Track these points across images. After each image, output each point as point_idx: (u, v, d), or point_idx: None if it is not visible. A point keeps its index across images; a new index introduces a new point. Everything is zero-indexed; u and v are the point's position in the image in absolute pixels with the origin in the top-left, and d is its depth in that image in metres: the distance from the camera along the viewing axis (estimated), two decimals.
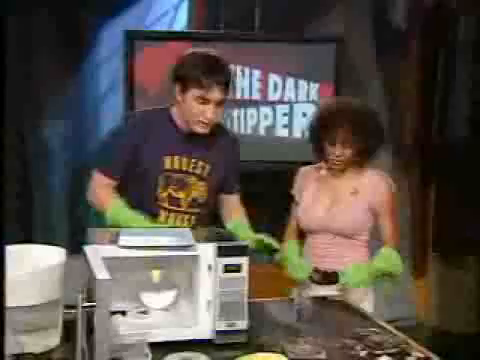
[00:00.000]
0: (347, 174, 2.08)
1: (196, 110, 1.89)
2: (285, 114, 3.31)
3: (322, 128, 2.03)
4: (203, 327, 1.55)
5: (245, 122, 3.33)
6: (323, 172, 2.13)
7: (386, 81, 3.64)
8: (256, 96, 3.31)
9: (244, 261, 1.54)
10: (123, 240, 1.53)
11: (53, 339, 1.50)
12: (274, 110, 3.30)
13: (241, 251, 1.54)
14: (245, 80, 3.31)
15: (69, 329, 1.51)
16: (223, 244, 1.54)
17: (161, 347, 1.46)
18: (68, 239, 3.60)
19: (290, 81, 3.28)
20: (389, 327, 1.72)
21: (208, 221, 2.07)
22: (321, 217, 2.07)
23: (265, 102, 3.31)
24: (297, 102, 3.31)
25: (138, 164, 1.96)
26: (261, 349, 1.50)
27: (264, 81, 3.30)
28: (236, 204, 2.13)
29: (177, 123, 1.98)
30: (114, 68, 3.60)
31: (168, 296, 1.67)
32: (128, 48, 3.25)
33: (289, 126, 3.32)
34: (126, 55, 3.27)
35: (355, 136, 1.98)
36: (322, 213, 2.07)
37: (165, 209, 1.99)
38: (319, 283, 2.02)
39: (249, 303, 1.57)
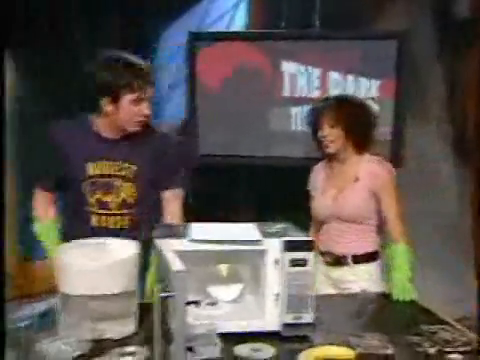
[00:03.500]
0: (349, 163, 2.23)
1: (133, 112, 1.94)
2: None
3: (314, 117, 2.27)
4: (270, 319, 1.59)
5: (303, 120, 3.34)
6: (328, 164, 2.30)
7: (449, 76, 3.56)
8: (315, 94, 3.31)
9: (310, 256, 1.57)
10: (193, 234, 1.60)
11: (129, 327, 1.57)
12: None
13: (307, 246, 1.57)
14: (304, 78, 3.32)
15: (143, 318, 1.60)
16: (290, 239, 1.58)
17: (229, 338, 1.51)
18: None
19: (350, 78, 3.26)
20: (457, 325, 1.70)
21: (150, 218, 2.02)
22: (329, 206, 2.23)
23: None
24: None
25: (65, 173, 2.02)
26: (327, 342, 1.52)
27: (323, 79, 3.30)
28: (169, 200, 2.11)
29: (99, 131, 2.01)
30: (176, 68, 3.70)
31: (235, 289, 1.72)
32: (190, 49, 3.32)
33: None
34: (188, 55, 3.35)
35: (339, 116, 2.17)
36: (330, 202, 2.23)
37: (96, 213, 2.05)
38: (331, 265, 2.24)
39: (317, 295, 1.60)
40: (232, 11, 3.78)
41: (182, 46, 3.45)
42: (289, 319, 1.58)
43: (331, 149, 2.21)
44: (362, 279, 2.19)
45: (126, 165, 2.02)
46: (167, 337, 1.34)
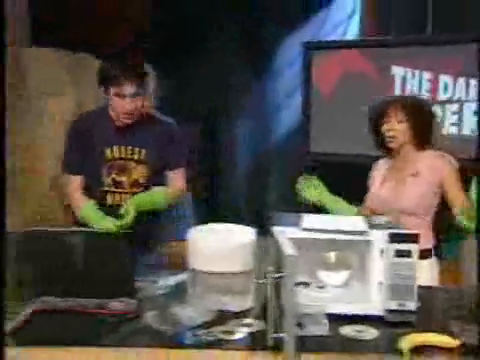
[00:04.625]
0: (411, 158, 2.12)
1: (116, 104, 2.00)
2: (454, 113, 3.13)
3: (379, 113, 2.15)
4: (374, 305, 1.57)
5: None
6: (389, 161, 2.22)
7: None
8: (425, 96, 3.16)
9: (414, 248, 1.52)
10: (305, 223, 1.61)
11: (247, 302, 1.63)
12: (444, 109, 3.13)
13: (412, 238, 1.52)
14: (414, 82, 3.19)
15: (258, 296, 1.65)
16: (395, 231, 1.54)
17: (336, 319, 1.52)
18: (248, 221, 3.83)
19: (461, 81, 3.08)
20: None
21: None
22: (384, 198, 2.14)
23: (434, 101, 3.16)
24: (467, 101, 3.09)
25: (86, 158, 2.07)
26: (429, 330, 1.46)
27: (434, 82, 3.14)
28: (173, 179, 2.18)
29: (113, 118, 2.07)
30: (292, 75, 3.73)
31: (342, 275, 1.71)
32: (305, 57, 3.34)
33: (458, 124, 3.12)
34: (303, 63, 3.36)
35: (408, 111, 2.08)
36: (386, 194, 2.14)
37: (111, 192, 2.09)
38: None
39: (419, 286, 1.54)
40: (347, 21, 3.72)
41: (299, 55, 3.47)
42: (393, 305, 1.54)
43: (394, 144, 2.13)
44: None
45: (137, 149, 2.09)
46: (280, 314, 1.38)
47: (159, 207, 2.12)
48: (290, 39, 3.74)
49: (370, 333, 1.48)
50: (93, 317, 1.54)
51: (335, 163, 3.33)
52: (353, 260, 1.72)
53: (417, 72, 3.17)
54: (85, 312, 1.55)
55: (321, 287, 1.69)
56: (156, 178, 2.14)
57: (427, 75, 3.15)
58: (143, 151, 2.10)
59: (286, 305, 1.29)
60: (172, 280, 1.73)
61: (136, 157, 2.10)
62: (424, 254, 2.04)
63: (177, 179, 2.20)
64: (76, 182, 2.11)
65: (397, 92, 3.20)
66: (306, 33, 3.67)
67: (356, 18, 3.72)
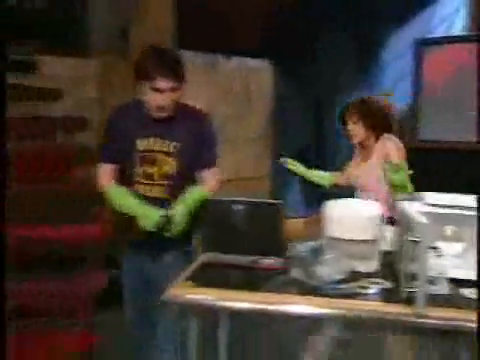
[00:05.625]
0: (370, 147, 2.55)
1: (149, 98, 1.95)
2: None
3: (342, 115, 2.57)
4: None
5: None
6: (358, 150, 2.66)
7: None
8: None
9: None
10: (426, 199, 1.80)
11: (374, 265, 1.86)
12: None
13: None
14: None
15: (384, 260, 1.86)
16: None
17: (454, 282, 1.70)
18: None
19: None
20: None
21: (185, 191, 2.04)
22: (355, 178, 2.61)
23: None
24: None
25: (121, 148, 2.05)
26: None
27: None
28: (207, 178, 2.10)
29: (148, 110, 2.01)
30: (401, 66, 3.81)
31: (458, 246, 1.87)
32: (416, 51, 3.43)
33: None
34: (414, 57, 3.46)
35: (360, 114, 2.51)
36: (356, 175, 2.61)
37: (141, 183, 2.06)
38: None
39: None
40: (453, 15, 3.73)
41: (407, 48, 3.56)
42: None
43: (354, 140, 2.59)
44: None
45: (168, 142, 2.03)
46: (411, 272, 1.58)
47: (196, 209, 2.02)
48: (399, 34, 3.81)
49: None
50: (250, 270, 1.83)
51: (443, 149, 3.41)
52: (467, 233, 1.86)
53: None
54: (243, 266, 1.84)
55: (440, 256, 1.86)
56: (186, 173, 2.07)
57: None
58: (174, 144, 2.04)
59: (419, 265, 1.49)
60: (310, 245, 1.98)
61: (166, 150, 2.04)
62: (390, 220, 2.14)
63: (211, 179, 2.12)
64: (108, 170, 2.11)
65: None
66: (414, 28, 3.73)
67: (463, 12, 3.71)
